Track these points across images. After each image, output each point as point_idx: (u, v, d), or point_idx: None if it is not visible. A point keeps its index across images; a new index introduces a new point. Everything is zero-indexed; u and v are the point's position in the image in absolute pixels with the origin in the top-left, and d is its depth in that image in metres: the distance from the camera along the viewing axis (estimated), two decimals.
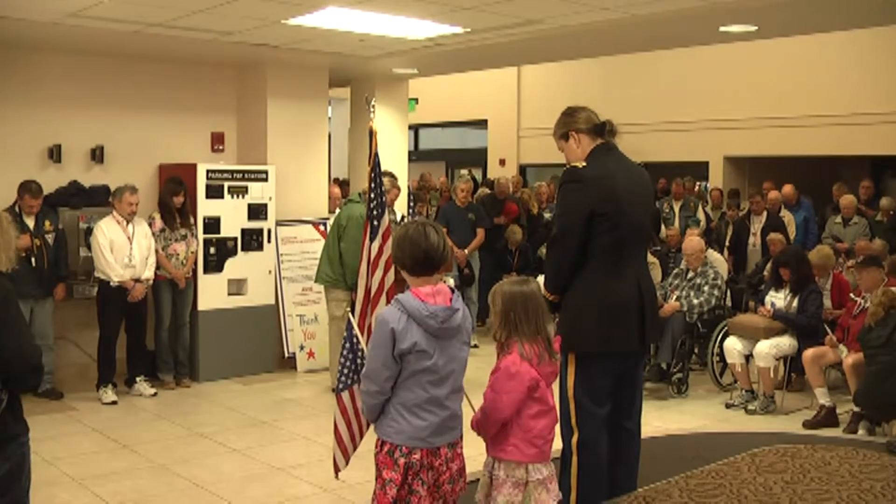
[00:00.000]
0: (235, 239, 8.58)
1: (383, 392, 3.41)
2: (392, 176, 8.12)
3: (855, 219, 10.56)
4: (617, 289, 4.29)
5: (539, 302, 3.64)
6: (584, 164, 4.34)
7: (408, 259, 3.45)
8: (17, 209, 7.54)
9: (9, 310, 3.05)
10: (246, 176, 8.65)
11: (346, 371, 4.30)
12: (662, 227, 11.29)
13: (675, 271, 8.61)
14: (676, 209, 12.14)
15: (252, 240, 8.68)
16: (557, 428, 3.81)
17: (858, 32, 10.04)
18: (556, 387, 3.85)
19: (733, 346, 7.71)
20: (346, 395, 4.31)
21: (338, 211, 8.42)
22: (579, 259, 4.28)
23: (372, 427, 3.63)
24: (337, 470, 4.47)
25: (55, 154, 8.30)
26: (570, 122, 4.45)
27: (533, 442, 3.58)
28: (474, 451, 3.72)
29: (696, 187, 13.75)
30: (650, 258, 8.92)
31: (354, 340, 4.25)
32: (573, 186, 4.32)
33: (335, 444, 4.41)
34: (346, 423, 4.35)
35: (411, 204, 10.69)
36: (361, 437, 4.36)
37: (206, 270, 8.41)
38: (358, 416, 4.26)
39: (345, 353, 4.29)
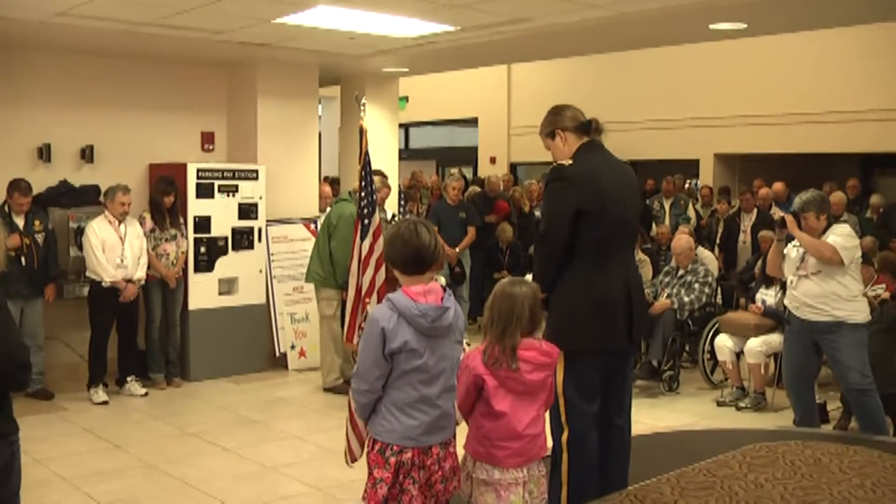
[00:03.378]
0: (226, 238, 8.57)
1: (374, 391, 3.40)
2: (383, 175, 8.13)
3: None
4: (604, 286, 4.29)
5: (518, 307, 3.54)
6: (571, 161, 4.34)
7: (399, 258, 3.44)
8: (6, 208, 7.52)
9: None
10: (236, 175, 8.64)
11: None
12: (653, 224, 11.31)
13: (665, 269, 8.62)
14: (667, 207, 12.16)
15: (243, 239, 8.67)
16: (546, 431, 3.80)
17: (849, 30, 10.06)
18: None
19: (724, 344, 7.74)
20: None
21: (328, 210, 8.42)
22: (566, 257, 4.28)
23: None
24: (353, 459, 4.49)
25: (45, 153, 8.27)
26: (556, 120, 4.45)
27: (481, 441, 3.55)
28: None
29: (687, 185, 13.77)
30: (641, 256, 8.94)
31: None
32: (559, 184, 4.32)
33: (351, 432, 4.44)
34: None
35: (402, 203, 10.69)
36: None
37: (196, 270, 8.39)
38: None
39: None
